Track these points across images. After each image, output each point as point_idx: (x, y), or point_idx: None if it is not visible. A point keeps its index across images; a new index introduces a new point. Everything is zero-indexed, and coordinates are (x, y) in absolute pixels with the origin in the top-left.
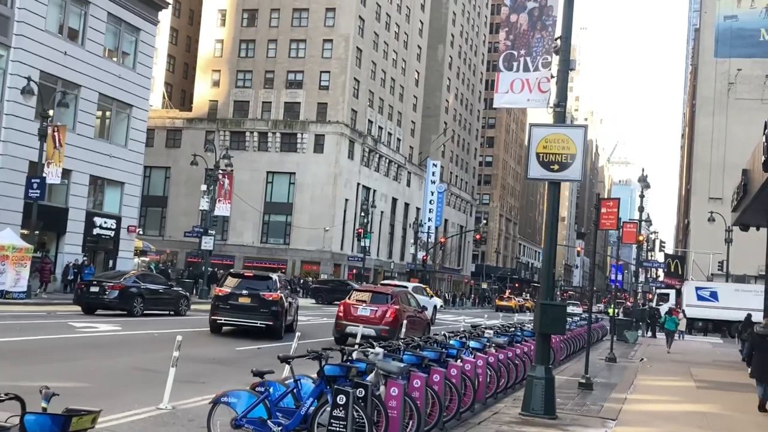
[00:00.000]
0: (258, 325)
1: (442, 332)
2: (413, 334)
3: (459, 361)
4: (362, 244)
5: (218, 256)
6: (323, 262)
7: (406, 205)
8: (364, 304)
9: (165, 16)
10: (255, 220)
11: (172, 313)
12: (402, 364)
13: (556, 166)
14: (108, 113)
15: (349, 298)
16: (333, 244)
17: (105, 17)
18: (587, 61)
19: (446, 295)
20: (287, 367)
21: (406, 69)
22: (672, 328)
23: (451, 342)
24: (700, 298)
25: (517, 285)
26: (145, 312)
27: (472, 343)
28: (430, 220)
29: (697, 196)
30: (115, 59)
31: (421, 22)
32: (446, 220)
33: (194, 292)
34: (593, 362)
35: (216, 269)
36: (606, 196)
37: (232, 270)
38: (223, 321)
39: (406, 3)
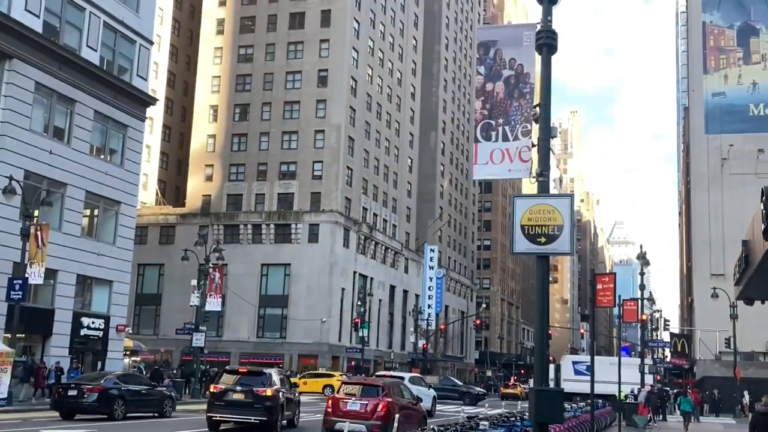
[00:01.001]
0: (252, 421)
1: (431, 426)
2: (408, 429)
3: None
4: (360, 334)
5: (214, 353)
6: (321, 354)
7: (405, 292)
8: (353, 398)
9: (157, 114)
10: (250, 314)
11: (156, 415)
12: None
13: (543, 239)
14: (96, 211)
15: (337, 392)
16: (330, 335)
17: (91, 115)
18: (580, 143)
19: None
20: None
21: (399, 156)
22: (688, 410)
23: None
24: (576, 372)
25: (522, 371)
26: (127, 415)
27: None
28: (429, 306)
29: (699, 273)
30: (102, 156)
31: (412, 110)
32: (447, 306)
33: (186, 391)
34: None
35: (209, 367)
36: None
37: (227, 367)
38: (218, 418)
39: (396, 92)
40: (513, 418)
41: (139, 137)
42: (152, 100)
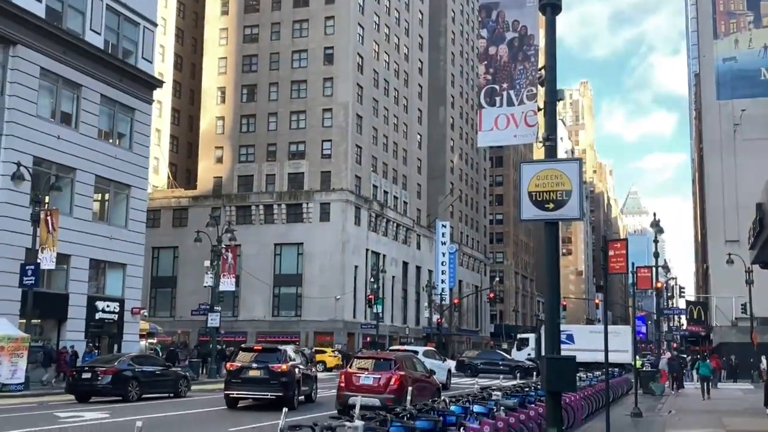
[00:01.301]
0: (269, 396)
1: (443, 398)
2: (421, 401)
3: (462, 429)
4: (374, 310)
5: (231, 333)
6: (336, 331)
7: (418, 268)
8: (366, 372)
9: (166, 98)
10: (265, 293)
11: (171, 395)
12: None
13: (550, 205)
14: (106, 195)
15: (350, 367)
16: (345, 312)
17: (98, 99)
18: (591, 114)
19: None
20: None
21: (408, 132)
22: (707, 374)
23: (452, 408)
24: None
25: None
26: (142, 396)
27: (476, 408)
28: (443, 281)
29: (714, 240)
30: (110, 140)
31: (420, 86)
32: (460, 281)
33: (203, 371)
34: (618, 419)
35: (224, 346)
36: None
37: (242, 345)
38: (235, 395)
39: (403, 68)
40: (527, 389)
41: (147, 120)
42: (158, 83)
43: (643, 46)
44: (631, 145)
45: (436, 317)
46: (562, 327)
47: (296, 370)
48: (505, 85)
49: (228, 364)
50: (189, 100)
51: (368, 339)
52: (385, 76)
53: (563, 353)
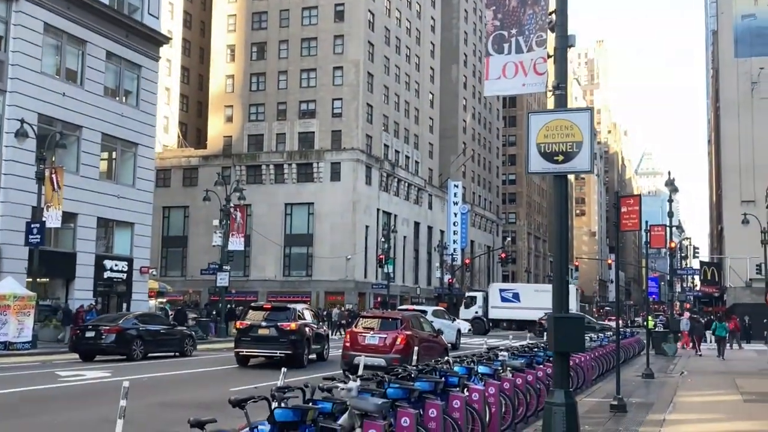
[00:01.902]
0: (278, 354)
1: (446, 359)
2: (429, 361)
3: (465, 390)
4: (385, 270)
5: (242, 292)
6: (347, 291)
7: (429, 228)
8: (371, 332)
9: (175, 56)
10: (276, 253)
11: (177, 354)
12: (381, 401)
13: (560, 157)
14: (113, 153)
15: (355, 326)
16: (356, 272)
17: (103, 56)
18: (606, 74)
19: None
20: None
21: (420, 91)
22: (723, 335)
23: (455, 369)
24: (503, 299)
25: None
26: (148, 355)
27: (481, 369)
28: (455, 242)
29: (729, 200)
30: (117, 98)
31: (432, 44)
32: (472, 242)
33: (213, 330)
34: (629, 379)
35: (233, 305)
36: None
37: (252, 304)
38: (245, 353)
39: (415, 25)
40: (536, 349)
41: (154, 77)
42: (165, 39)
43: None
44: (647, 105)
45: (447, 277)
46: (508, 285)
47: (306, 328)
48: (513, 31)
49: (237, 323)
50: (199, 59)
51: (379, 299)
52: (397, 34)
53: (508, 311)
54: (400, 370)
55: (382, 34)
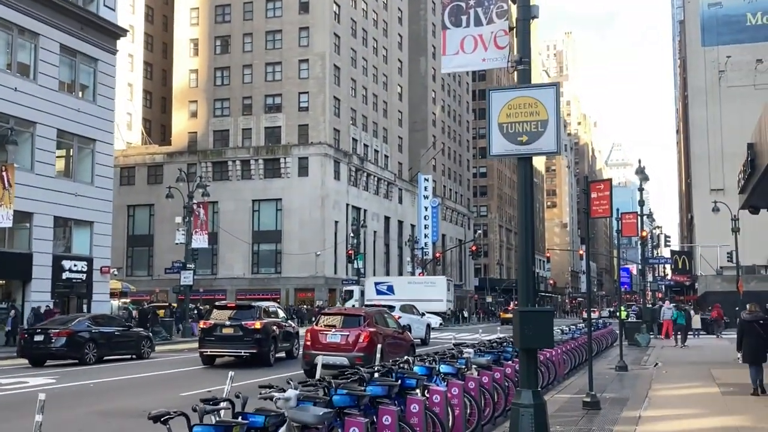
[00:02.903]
0: (242, 354)
1: (405, 358)
2: (394, 359)
3: (427, 392)
4: (355, 266)
5: (210, 291)
6: (317, 288)
7: (400, 222)
8: (333, 329)
9: (138, 51)
10: (244, 251)
11: (134, 357)
12: (323, 411)
13: (524, 138)
14: (70, 150)
15: (316, 324)
16: (326, 268)
17: (57, 49)
18: (576, 65)
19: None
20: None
21: (388, 84)
22: (683, 323)
23: (415, 369)
24: (378, 292)
25: None
26: (104, 358)
27: (443, 368)
28: (426, 236)
29: (698, 189)
30: (72, 93)
31: (400, 36)
32: (444, 235)
33: (177, 331)
34: (603, 372)
35: (198, 305)
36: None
37: (216, 303)
38: (209, 353)
39: (382, 17)
40: (505, 344)
41: (112, 71)
42: (122, 32)
43: None
44: (615, 97)
45: (418, 271)
46: (383, 278)
47: (274, 326)
48: (472, 2)
49: (202, 322)
50: (162, 54)
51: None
52: (364, 26)
53: (383, 303)
54: (350, 373)
55: (348, 25)
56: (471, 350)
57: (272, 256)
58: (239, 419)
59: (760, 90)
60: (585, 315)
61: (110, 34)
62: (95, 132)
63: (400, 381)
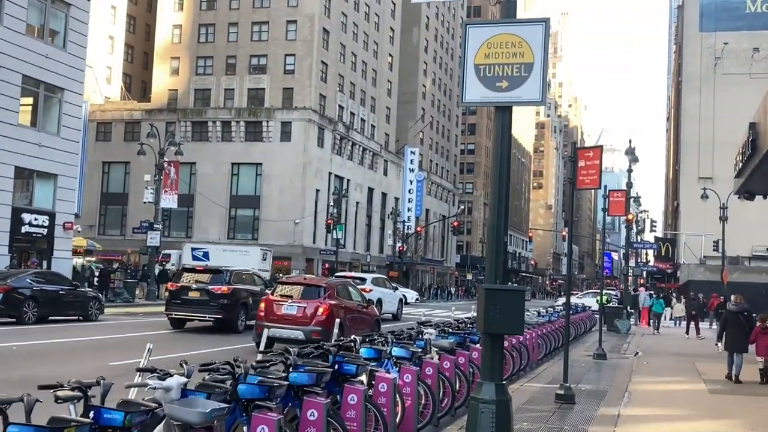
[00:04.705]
0: (207, 319)
1: (352, 337)
2: (356, 334)
3: (373, 380)
4: (334, 236)
5: None
6: (294, 257)
7: (384, 195)
8: (290, 300)
9: (121, 3)
10: (221, 215)
11: (80, 318)
12: (212, 407)
13: (503, 83)
14: (37, 99)
15: (272, 293)
16: (304, 237)
17: None
18: (570, 47)
19: (424, 286)
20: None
21: (379, 52)
22: (660, 311)
23: (361, 351)
24: (194, 257)
25: None
26: (47, 318)
27: (396, 351)
28: (409, 210)
29: (686, 176)
30: (41, 38)
31: (393, 3)
32: (428, 210)
33: (141, 292)
34: (579, 360)
35: (165, 266)
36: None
37: (184, 265)
38: (174, 315)
39: None
40: (471, 325)
41: (85, 18)
42: None
43: None
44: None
45: (399, 245)
46: (200, 244)
47: (244, 292)
48: None
49: (169, 284)
50: (146, 7)
51: (327, 265)
52: None
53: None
54: (270, 357)
55: None
56: (433, 331)
57: (249, 222)
58: (90, 415)
59: (756, 79)
60: (563, 298)
61: None
62: (64, 80)
63: (336, 367)
